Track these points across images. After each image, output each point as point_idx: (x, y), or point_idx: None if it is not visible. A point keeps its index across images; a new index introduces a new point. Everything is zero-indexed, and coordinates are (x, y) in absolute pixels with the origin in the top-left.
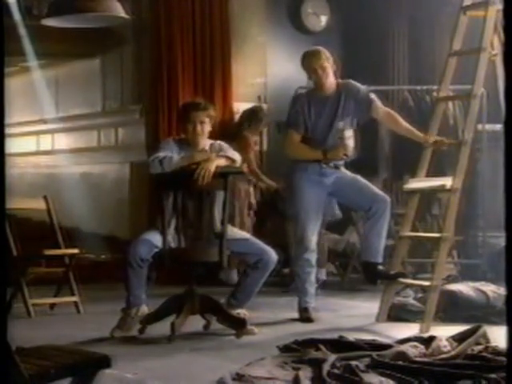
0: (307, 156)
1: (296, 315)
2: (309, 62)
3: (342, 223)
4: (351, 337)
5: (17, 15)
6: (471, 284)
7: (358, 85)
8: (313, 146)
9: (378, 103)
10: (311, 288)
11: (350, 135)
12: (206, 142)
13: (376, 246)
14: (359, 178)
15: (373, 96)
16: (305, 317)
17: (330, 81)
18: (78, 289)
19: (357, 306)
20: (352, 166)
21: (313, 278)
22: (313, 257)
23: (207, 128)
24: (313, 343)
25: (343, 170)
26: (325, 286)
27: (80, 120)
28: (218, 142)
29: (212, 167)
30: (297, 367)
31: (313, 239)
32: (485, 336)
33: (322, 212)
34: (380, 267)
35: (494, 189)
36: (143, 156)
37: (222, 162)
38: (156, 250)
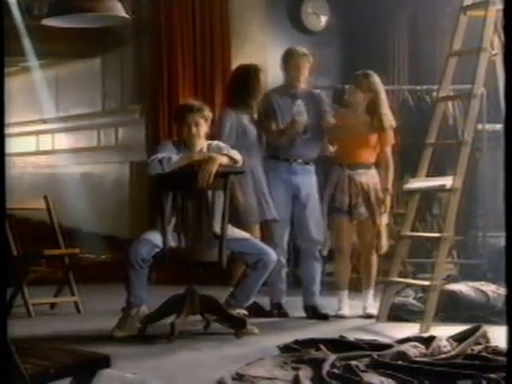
0: (278, 138)
1: (296, 315)
2: (294, 60)
3: None
4: (351, 337)
5: (17, 15)
6: (471, 284)
7: (323, 97)
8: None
9: (330, 119)
10: (282, 285)
11: (300, 110)
12: (203, 143)
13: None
14: (316, 208)
15: (329, 114)
16: (282, 313)
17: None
18: (77, 289)
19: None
20: None
21: (283, 275)
22: (283, 256)
23: (203, 129)
24: (313, 343)
25: (312, 173)
26: (324, 285)
27: (80, 120)
28: (216, 142)
29: (214, 168)
30: (297, 367)
31: (283, 238)
32: (485, 336)
33: (290, 211)
34: (319, 309)
35: (494, 189)
36: (143, 156)
37: (225, 160)
38: (157, 249)
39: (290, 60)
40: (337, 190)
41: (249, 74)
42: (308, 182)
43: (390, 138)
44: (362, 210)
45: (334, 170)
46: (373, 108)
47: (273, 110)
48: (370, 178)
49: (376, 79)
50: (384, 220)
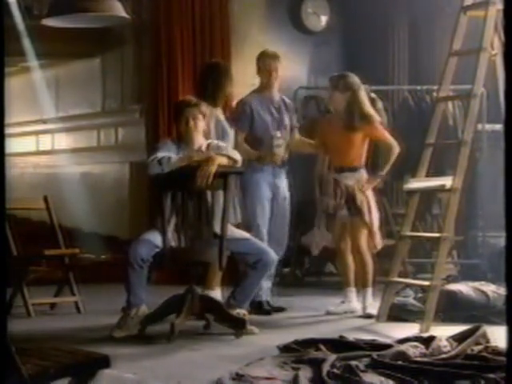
0: (247, 155)
1: (296, 314)
2: (267, 61)
3: None
4: (351, 337)
5: (17, 15)
6: (471, 284)
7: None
8: (254, 146)
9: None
10: (265, 282)
11: (279, 143)
12: (202, 142)
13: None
14: (287, 212)
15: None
16: (265, 311)
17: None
18: (77, 289)
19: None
20: None
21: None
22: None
23: (201, 124)
24: (312, 343)
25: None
26: (324, 285)
27: (80, 120)
28: (216, 141)
29: (213, 169)
30: (297, 367)
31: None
32: (485, 336)
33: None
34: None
35: (494, 189)
36: (143, 156)
37: (224, 160)
38: (157, 250)
39: (263, 61)
40: (323, 193)
41: (220, 69)
42: (285, 184)
43: (382, 129)
44: (344, 212)
45: (322, 174)
46: (353, 106)
47: (242, 116)
48: (356, 180)
49: (352, 79)
50: (376, 219)
